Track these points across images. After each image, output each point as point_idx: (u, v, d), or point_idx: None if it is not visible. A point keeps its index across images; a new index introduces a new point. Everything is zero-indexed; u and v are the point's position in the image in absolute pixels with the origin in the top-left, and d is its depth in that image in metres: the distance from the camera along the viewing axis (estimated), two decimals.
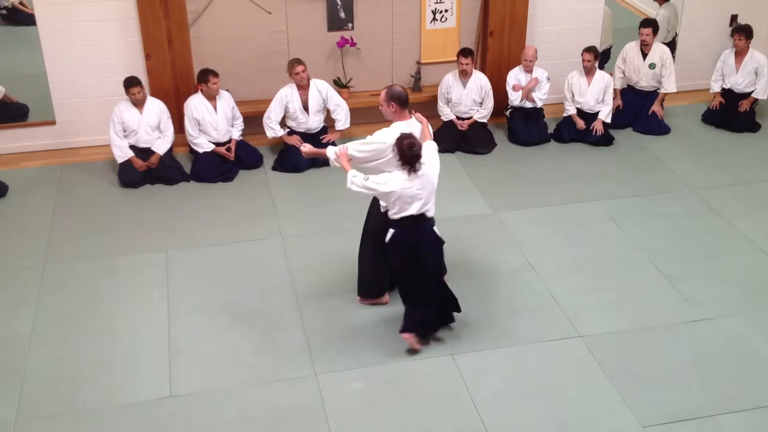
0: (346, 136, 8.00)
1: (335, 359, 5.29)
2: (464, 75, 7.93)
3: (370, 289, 5.79)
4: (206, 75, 7.34)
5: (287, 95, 7.58)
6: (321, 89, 7.64)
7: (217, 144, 7.54)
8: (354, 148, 5.29)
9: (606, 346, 5.40)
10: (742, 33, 8.27)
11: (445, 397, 5.00)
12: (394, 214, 5.15)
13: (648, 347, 5.40)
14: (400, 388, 5.06)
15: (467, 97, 7.99)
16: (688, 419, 4.83)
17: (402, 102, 5.27)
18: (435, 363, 5.26)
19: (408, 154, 4.94)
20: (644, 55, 8.40)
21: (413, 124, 5.37)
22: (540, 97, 8.09)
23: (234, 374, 5.18)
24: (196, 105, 7.43)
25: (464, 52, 7.81)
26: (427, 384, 5.10)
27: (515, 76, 8.11)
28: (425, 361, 5.28)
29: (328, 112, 7.80)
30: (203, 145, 7.49)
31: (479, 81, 7.98)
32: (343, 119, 7.79)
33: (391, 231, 5.19)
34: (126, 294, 5.94)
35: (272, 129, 7.66)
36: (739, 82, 8.40)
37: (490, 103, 8.04)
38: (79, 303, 5.83)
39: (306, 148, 5.60)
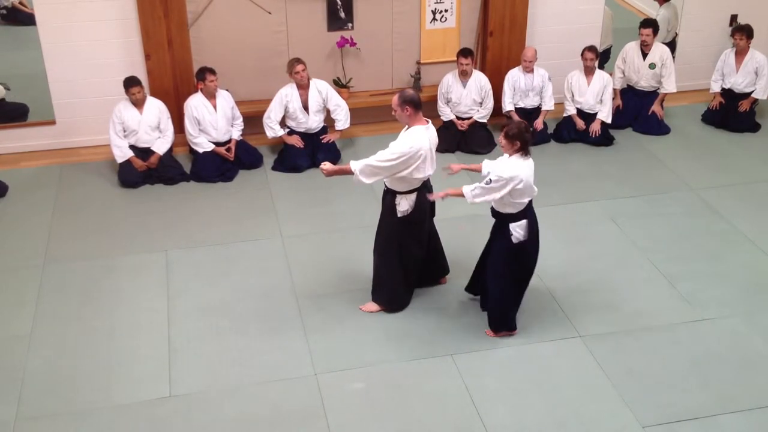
0: (346, 136, 8.02)
1: (335, 359, 5.29)
2: (464, 75, 7.93)
3: (402, 299, 5.73)
4: (204, 73, 7.35)
5: (287, 95, 7.57)
6: (321, 89, 7.63)
7: (217, 144, 7.54)
8: (379, 159, 5.20)
9: (606, 346, 5.40)
10: (743, 32, 8.26)
11: (445, 397, 5.00)
12: (517, 205, 5.11)
13: (648, 347, 5.40)
14: (400, 388, 5.06)
15: (467, 97, 7.99)
16: (688, 419, 4.83)
17: (416, 105, 5.23)
18: (435, 363, 5.25)
19: (528, 136, 5.01)
20: (644, 55, 8.39)
21: (431, 129, 5.33)
22: (548, 97, 8.09)
23: (234, 374, 5.17)
24: (196, 105, 7.42)
25: (464, 53, 7.81)
26: (427, 384, 5.09)
27: (513, 77, 8.09)
28: (425, 361, 5.28)
29: (328, 112, 7.80)
30: (203, 144, 7.49)
31: (479, 81, 7.98)
32: (343, 119, 7.78)
33: (517, 228, 5.15)
34: (126, 294, 5.94)
35: (272, 129, 7.65)
36: (739, 82, 8.39)
37: (490, 103, 8.04)
38: (79, 303, 5.83)
39: (326, 166, 5.38)
